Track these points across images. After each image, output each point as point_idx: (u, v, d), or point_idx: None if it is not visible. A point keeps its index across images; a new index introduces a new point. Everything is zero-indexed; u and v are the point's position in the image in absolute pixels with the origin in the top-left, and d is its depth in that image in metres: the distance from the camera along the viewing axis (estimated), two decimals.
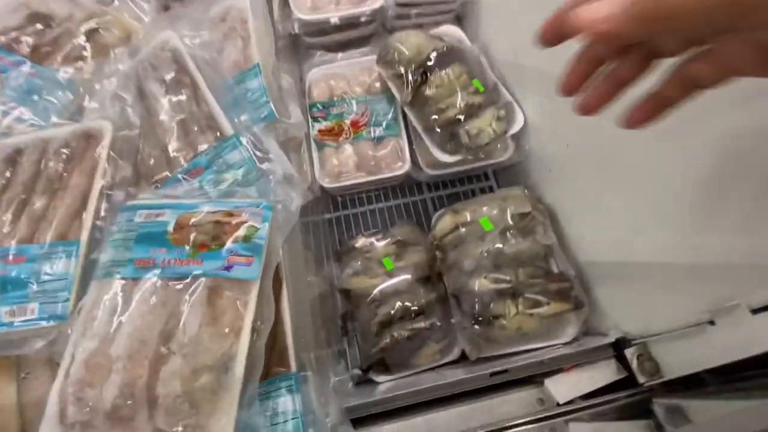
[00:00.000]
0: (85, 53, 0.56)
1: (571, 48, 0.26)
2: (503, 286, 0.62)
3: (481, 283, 0.64)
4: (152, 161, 0.47)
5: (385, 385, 0.68)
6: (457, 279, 0.66)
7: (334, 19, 0.75)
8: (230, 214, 0.41)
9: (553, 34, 0.23)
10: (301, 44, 0.84)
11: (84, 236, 0.42)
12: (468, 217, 0.68)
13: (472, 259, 0.65)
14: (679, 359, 0.48)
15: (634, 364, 0.52)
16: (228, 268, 0.38)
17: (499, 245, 0.64)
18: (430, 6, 0.80)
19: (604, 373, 0.55)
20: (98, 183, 0.44)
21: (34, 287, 0.39)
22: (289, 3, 0.74)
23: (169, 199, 0.44)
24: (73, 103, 0.51)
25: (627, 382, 0.54)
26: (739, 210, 0.37)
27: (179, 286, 0.38)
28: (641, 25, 0.17)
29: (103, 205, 0.44)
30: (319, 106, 0.76)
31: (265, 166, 0.44)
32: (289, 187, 0.44)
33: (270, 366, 0.40)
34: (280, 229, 0.42)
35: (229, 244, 0.39)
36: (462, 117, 0.67)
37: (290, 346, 0.41)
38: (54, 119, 0.49)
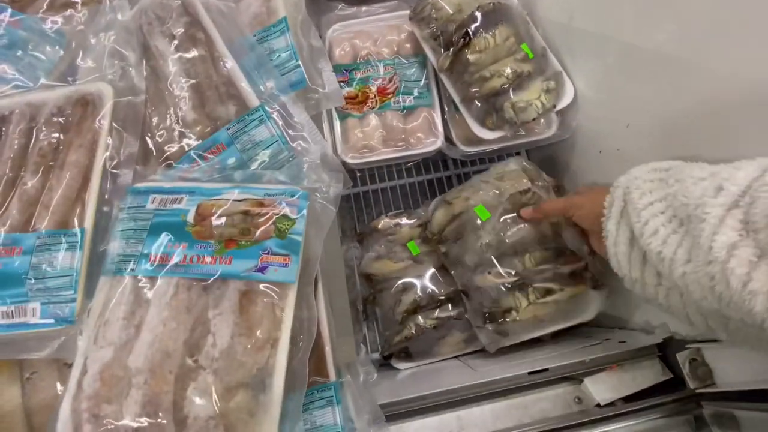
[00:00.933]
0: None
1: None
2: (510, 279, 0.58)
3: (485, 279, 0.59)
4: (162, 134, 0.40)
5: (407, 372, 0.66)
6: (463, 275, 0.61)
7: None
8: (261, 204, 0.35)
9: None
10: None
11: (89, 223, 0.35)
12: (461, 206, 0.62)
13: (474, 253, 0.60)
14: (744, 371, 0.44)
15: (686, 369, 0.49)
16: (262, 269, 0.32)
17: (500, 235, 0.59)
18: None
19: (648, 374, 0.52)
20: (100, 159, 0.38)
21: (33, 284, 0.33)
22: None
23: (186, 182, 0.38)
24: (64, 60, 0.43)
25: (670, 383, 0.51)
26: None
27: (205, 289, 0.33)
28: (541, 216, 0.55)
29: (108, 186, 0.37)
30: (341, 69, 0.68)
31: (297, 145, 0.38)
32: (325, 171, 0.38)
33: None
34: (317, 223, 0.36)
35: (261, 239, 0.34)
36: (509, 87, 0.59)
37: (329, 354, 0.36)
38: (42, 80, 0.41)
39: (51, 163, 0.37)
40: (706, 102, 0.42)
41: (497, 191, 0.61)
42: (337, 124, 0.67)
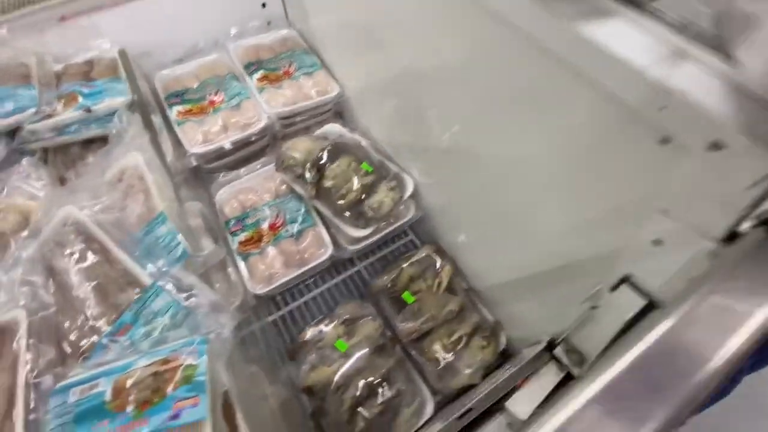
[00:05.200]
0: None
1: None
2: None
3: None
4: (75, 334, 0.48)
5: None
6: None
7: (227, 145, 0.83)
8: (166, 361, 0.43)
9: None
10: (203, 171, 0.90)
11: None
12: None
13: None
14: (592, 342, 0.56)
15: (565, 360, 0.60)
16: (175, 416, 0.39)
17: None
18: (309, 111, 0.93)
19: (548, 377, 0.62)
20: (22, 376, 0.44)
21: None
22: (182, 142, 0.81)
23: (101, 367, 0.45)
24: None
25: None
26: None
27: None
28: None
29: (32, 396, 0.43)
30: (232, 221, 0.81)
31: (190, 302, 0.48)
32: (218, 314, 0.47)
33: None
34: (219, 357, 0.44)
35: (171, 391, 0.41)
36: (362, 196, 0.76)
37: None
38: None
39: None
40: None
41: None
42: (242, 264, 0.78)
